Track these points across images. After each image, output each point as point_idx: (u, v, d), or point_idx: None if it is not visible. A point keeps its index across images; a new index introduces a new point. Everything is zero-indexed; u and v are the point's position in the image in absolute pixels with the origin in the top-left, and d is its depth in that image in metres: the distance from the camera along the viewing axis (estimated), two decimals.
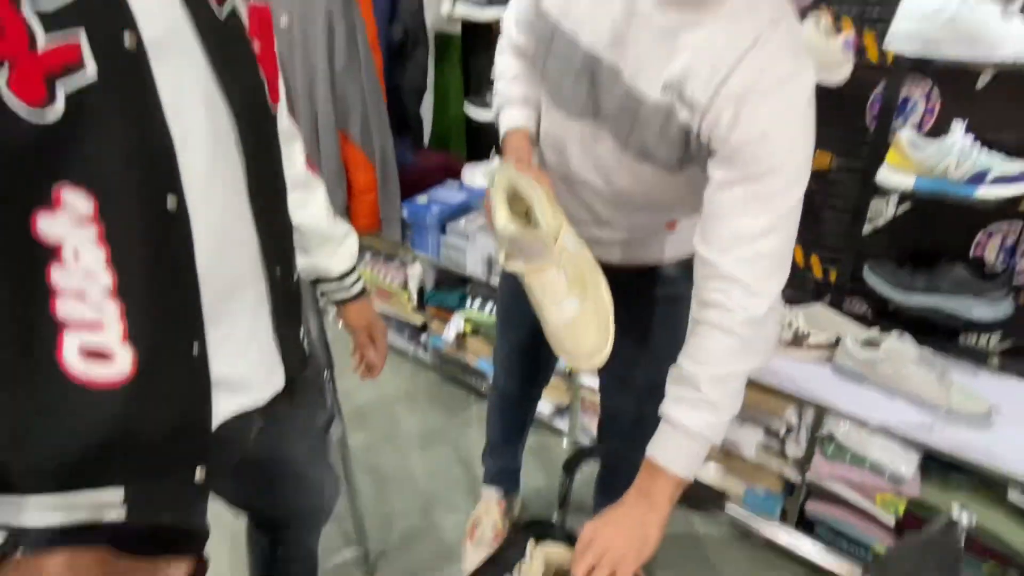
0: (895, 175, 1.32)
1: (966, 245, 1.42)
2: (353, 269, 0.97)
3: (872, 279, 1.44)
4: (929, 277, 1.36)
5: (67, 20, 0.46)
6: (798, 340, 1.47)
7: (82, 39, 0.47)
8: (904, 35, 1.22)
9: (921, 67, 1.30)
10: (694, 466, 0.81)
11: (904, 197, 1.42)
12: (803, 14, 1.37)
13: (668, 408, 0.81)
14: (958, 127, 1.24)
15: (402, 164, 1.99)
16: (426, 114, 2.18)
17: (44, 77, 0.46)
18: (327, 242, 0.91)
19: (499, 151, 1.05)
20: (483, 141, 2.25)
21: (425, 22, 1.95)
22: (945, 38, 1.18)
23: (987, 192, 1.22)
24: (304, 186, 0.86)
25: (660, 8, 0.77)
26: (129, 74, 0.50)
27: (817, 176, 1.50)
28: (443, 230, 1.97)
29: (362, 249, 2.26)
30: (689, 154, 0.82)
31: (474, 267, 1.94)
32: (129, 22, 0.49)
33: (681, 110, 0.78)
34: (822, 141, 1.48)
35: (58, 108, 0.46)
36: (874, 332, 1.41)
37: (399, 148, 1.99)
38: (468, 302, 2.02)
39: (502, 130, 1.04)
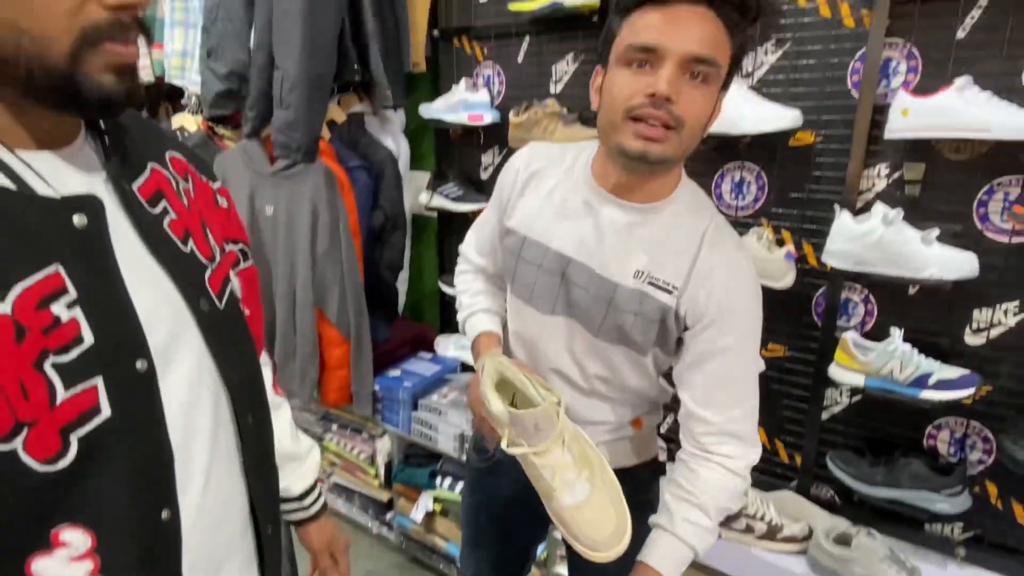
0: (845, 373, 1.41)
1: (919, 435, 1.49)
2: (315, 486, 0.94)
3: (835, 470, 1.48)
4: (888, 470, 1.41)
5: (86, 370, 0.47)
6: (772, 532, 1.47)
7: (99, 384, 0.48)
8: (837, 253, 1.37)
9: (856, 277, 1.44)
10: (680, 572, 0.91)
11: (856, 390, 1.51)
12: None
13: (677, 526, 0.90)
14: (896, 333, 1.36)
15: (376, 339, 2.03)
16: (402, 285, 2.27)
17: (60, 430, 0.46)
18: (290, 461, 0.89)
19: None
20: (455, 314, 2.32)
21: (404, 209, 2.09)
22: (875, 258, 1.33)
23: (931, 395, 1.31)
24: (271, 408, 0.86)
25: (616, 212, 0.92)
26: (139, 399, 0.52)
27: (774, 365, 1.60)
28: (415, 405, 1.98)
29: (330, 419, 2.25)
30: (665, 331, 0.93)
31: (446, 444, 1.93)
32: (143, 351, 0.52)
33: (658, 293, 0.91)
34: (775, 334, 1.59)
35: (70, 456, 0.46)
36: (844, 524, 1.43)
37: (374, 323, 2.04)
38: (438, 480, 1.97)
39: (471, 335, 1.11)
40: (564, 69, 1.80)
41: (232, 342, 0.63)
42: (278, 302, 1.94)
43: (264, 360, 0.86)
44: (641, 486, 1.12)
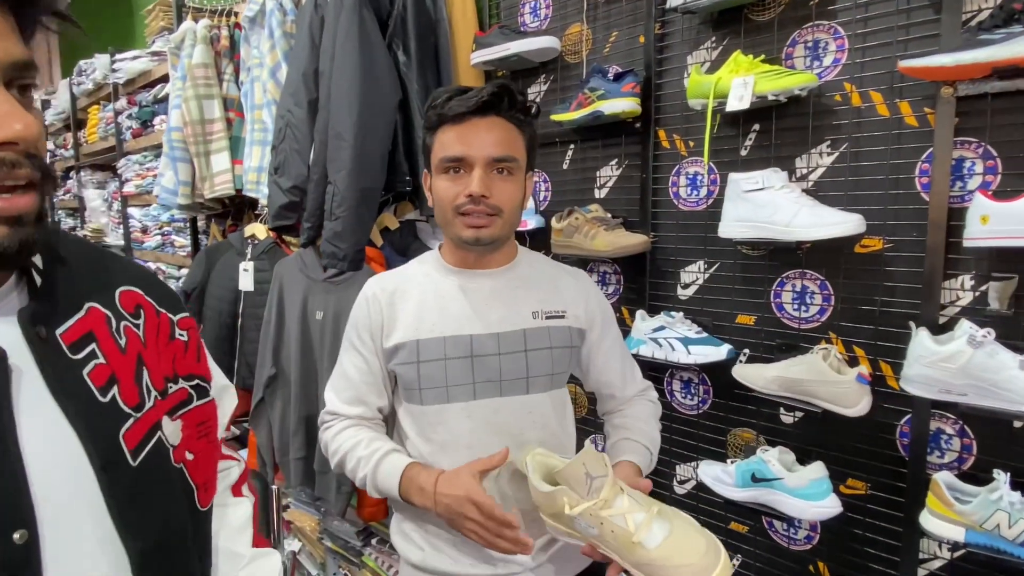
0: (941, 524, 1.16)
1: None
2: None
3: None
4: None
5: None
6: None
7: None
8: (917, 379, 1.17)
9: (947, 406, 1.22)
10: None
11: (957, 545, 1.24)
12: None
13: (637, 435, 1.13)
14: (1002, 478, 1.12)
15: None
16: None
17: None
18: (230, 559, 0.79)
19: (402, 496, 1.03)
20: None
21: None
22: (963, 386, 1.12)
23: None
24: (221, 506, 0.80)
25: (487, 280, 1.09)
26: None
27: (852, 504, 1.36)
28: None
29: (369, 534, 2.15)
30: (576, 354, 1.15)
31: None
32: (24, 521, 0.48)
33: (557, 323, 1.10)
34: (853, 468, 1.37)
35: None
36: None
37: None
38: None
39: (392, 477, 1.02)
40: (608, 174, 1.76)
41: (144, 504, 0.58)
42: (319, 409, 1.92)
43: (225, 464, 0.83)
44: None
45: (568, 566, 1.10)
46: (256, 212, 2.42)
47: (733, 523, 1.59)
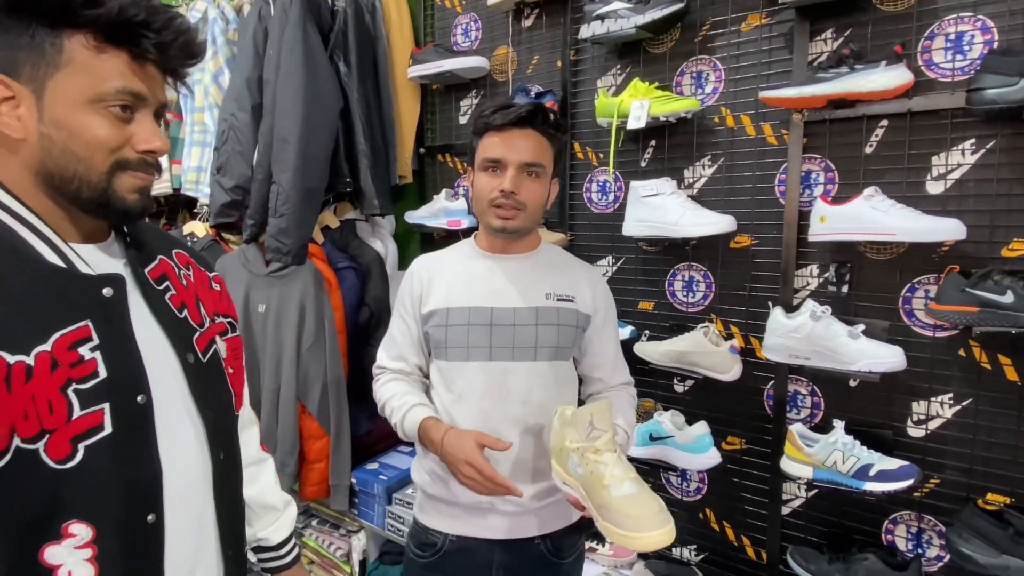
0: (795, 465, 1.44)
1: (877, 530, 1.49)
2: (291, 538, 1.06)
3: (796, 567, 1.47)
4: (846, 567, 1.40)
5: (98, 396, 0.65)
6: None
7: (107, 408, 0.65)
8: (773, 347, 1.44)
9: (800, 370, 1.51)
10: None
11: (812, 484, 1.52)
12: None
13: (618, 420, 1.23)
14: (839, 425, 1.40)
15: (357, 432, 2.10)
16: None
17: (71, 439, 0.62)
18: (269, 512, 1.03)
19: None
20: None
21: (390, 306, 2.22)
22: (808, 351, 1.40)
23: (873, 486, 1.33)
24: (256, 463, 1.02)
25: (511, 263, 1.27)
26: (136, 425, 0.69)
27: (732, 458, 1.63)
28: (389, 500, 2.01)
29: (311, 514, 2.26)
30: (579, 333, 1.27)
31: None
32: (144, 387, 0.70)
33: (566, 304, 1.25)
34: (732, 427, 1.64)
35: (77, 459, 0.62)
36: None
37: (356, 416, 2.11)
38: None
39: (412, 426, 1.20)
40: None
41: (211, 389, 0.81)
42: (264, 397, 2.03)
43: (250, 418, 1.04)
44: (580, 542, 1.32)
45: (556, 519, 1.26)
46: (194, 211, 2.49)
47: None
